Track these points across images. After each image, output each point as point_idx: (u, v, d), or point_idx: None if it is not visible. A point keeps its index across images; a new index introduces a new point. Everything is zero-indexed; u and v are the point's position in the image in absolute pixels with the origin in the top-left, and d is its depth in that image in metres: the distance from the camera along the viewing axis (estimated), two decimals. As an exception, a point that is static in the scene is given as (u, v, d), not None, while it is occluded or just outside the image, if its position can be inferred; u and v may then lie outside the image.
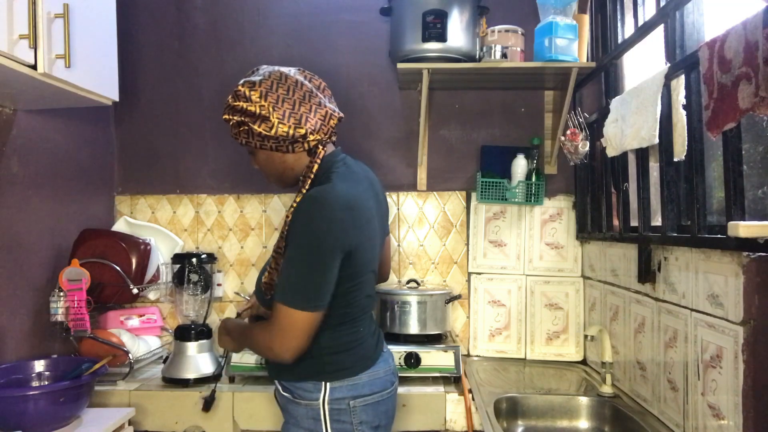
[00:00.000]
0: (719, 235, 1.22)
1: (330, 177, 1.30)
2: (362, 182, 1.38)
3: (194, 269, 2.00)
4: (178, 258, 2.05)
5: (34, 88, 1.55)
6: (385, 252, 1.58)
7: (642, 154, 1.61)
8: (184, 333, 1.95)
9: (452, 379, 1.91)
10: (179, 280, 2.00)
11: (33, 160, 1.85)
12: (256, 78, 1.33)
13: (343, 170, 1.35)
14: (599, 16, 2.02)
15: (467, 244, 2.29)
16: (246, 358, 1.91)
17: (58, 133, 1.98)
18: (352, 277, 1.31)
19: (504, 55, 2.00)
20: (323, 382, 1.34)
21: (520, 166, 2.18)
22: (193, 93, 2.37)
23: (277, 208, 2.34)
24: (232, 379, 1.94)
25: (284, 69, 1.36)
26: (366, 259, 1.34)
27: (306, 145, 1.33)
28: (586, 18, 2.03)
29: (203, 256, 2.04)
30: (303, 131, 1.30)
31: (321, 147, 1.35)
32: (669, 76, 1.42)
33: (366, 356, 1.40)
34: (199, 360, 1.92)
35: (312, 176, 1.32)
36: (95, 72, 1.67)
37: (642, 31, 1.66)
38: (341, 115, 1.38)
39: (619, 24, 1.89)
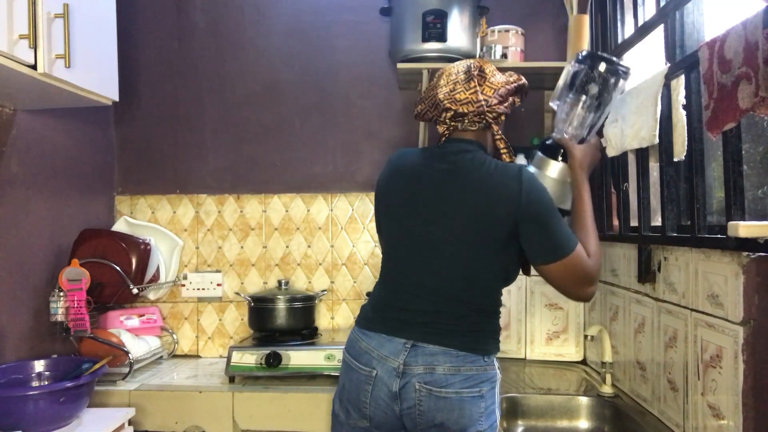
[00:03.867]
0: (719, 235, 1.22)
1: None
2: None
3: (597, 79, 1.46)
4: (588, 58, 1.48)
5: (34, 88, 1.55)
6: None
7: (642, 154, 1.61)
8: (552, 149, 1.50)
9: (452, 379, 1.91)
10: (572, 83, 1.49)
11: (33, 160, 1.85)
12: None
13: None
14: (599, 16, 2.02)
15: (467, 244, 2.29)
16: (246, 358, 1.91)
17: (58, 133, 1.98)
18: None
19: (504, 55, 2.00)
20: None
21: (520, 166, 2.18)
22: (193, 93, 2.37)
23: (277, 208, 2.34)
24: (232, 379, 1.94)
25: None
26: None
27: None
28: (586, 18, 2.03)
29: (621, 67, 1.46)
30: None
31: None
32: (669, 76, 1.42)
33: (363, 315, 1.42)
34: (556, 185, 1.49)
35: None
36: (95, 72, 1.68)
37: (642, 31, 1.66)
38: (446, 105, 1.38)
39: (619, 24, 1.89)
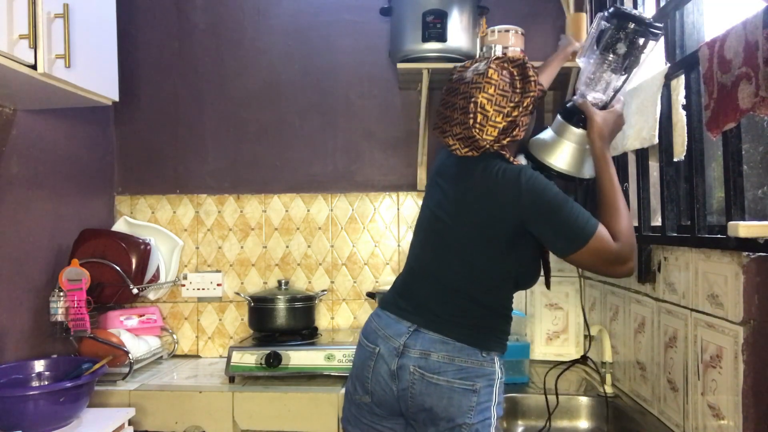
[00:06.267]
0: (719, 235, 1.22)
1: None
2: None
3: (624, 39, 1.36)
4: (615, 16, 1.36)
5: (34, 88, 1.55)
6: None
7: (642, 154, 1.61)
8: (571, 113, 1.43)
9: (452, 379, 1.91)
10: (598, 41, 1.39)
11: (33, 160, 1.85)
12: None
13: None
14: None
15: (467, 244, 2.29)
16: (246, 358, 1.91)
17: (58, 133, 1.98)
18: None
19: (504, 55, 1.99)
20: None
21: (520, 166, 2.18)
22: (193, 93, 2.37)
23: (276, 208, 2.34)
24: (232, 379, 1.94)
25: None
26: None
27: None
28: (584, 16, 2.02)
29: (651, 28, 1.35)
30: None
31: None
32: (669, 76, 1.42)
33: (383, 296, 1.48)
34: (576, 152, 1.43)
35: None
36: (95, 72, 1.68)
37: (642, 31, 1.65)
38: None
39: (619, 24, 1.88)
